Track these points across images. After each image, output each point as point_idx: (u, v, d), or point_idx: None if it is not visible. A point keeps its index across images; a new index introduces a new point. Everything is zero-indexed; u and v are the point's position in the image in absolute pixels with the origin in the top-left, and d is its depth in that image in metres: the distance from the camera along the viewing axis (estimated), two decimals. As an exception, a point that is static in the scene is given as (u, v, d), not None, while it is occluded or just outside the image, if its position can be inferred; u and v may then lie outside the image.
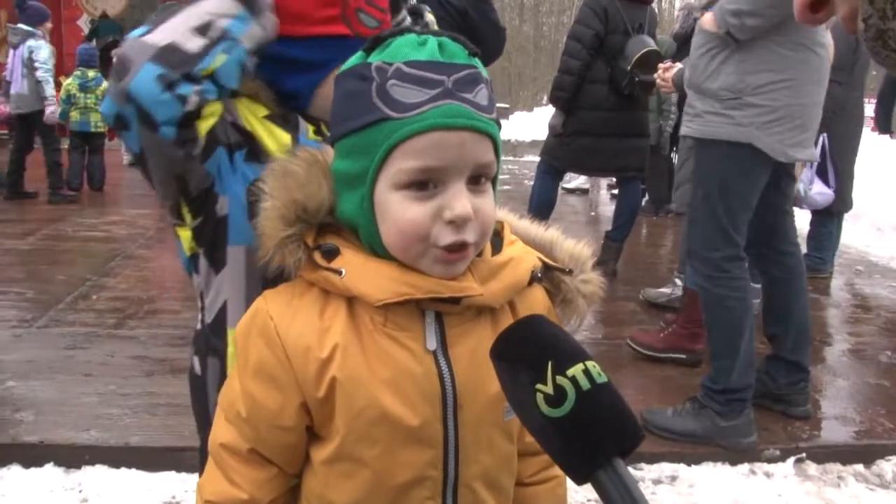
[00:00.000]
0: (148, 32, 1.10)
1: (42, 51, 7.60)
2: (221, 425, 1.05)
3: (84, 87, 8.15)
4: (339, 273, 0.95)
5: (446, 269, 0.95)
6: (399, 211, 0.92)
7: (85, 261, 5.47)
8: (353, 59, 0.97)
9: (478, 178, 0.94)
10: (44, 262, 5.39)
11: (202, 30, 1.11)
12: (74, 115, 8.18)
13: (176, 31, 1.10)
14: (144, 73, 1.06)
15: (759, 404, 3.23)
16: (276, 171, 1.01)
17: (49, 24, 8.02)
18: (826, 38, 2.78)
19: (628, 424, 0.76)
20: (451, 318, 0.99)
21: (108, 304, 4.48)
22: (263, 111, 1.23)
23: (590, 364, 0.77)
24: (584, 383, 0.76)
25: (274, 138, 1.21)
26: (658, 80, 3.72)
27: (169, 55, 1.07)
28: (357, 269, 0.95)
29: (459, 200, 0.91)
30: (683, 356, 3.75)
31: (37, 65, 7.54)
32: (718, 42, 2.80)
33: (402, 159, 0.91)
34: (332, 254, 0.97)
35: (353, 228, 1.00)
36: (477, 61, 0.95)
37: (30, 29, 7.64)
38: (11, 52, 7.74)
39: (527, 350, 0.81)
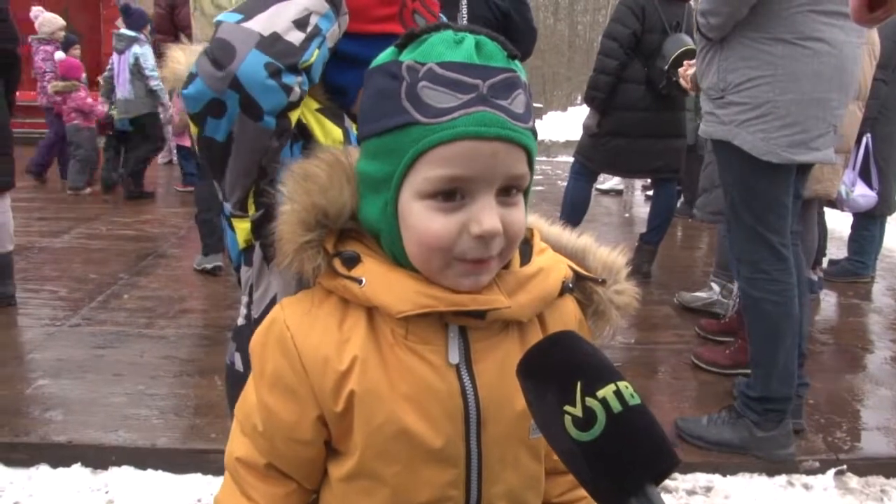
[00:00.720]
0: (245, 20, 1.08)
1: (149, 57, 7.65)
2: (237, 439, 1.02)
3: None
4: (360, 282, 0.91)
5: (470, 282, 0.90)
6: (423, 221, 0.87)
7: (117, 259, 5.51)
8: (385, 55, 0.92)
9: (508, 190, 0.89)
10: (77, 260, 5.44)
11: (301, 24, 1.10)
12: (116, 113, 8.22)
13: (277, 21, 1.09)
14: (252, 60, 1.05)
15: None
16: (297, 174, 0.96)
17: (148, 28, 8.06)
18: (827, 32, 2.60)
19: (662, 449, 0.71)
20: (475, 332, 0.94)
21: (139, 303, 4.50)
22: (315, 104, 1.21)
23: (622, 384, 0.73)
24: (616, 405, 0.71)
25: (325, 132, 1.20)
26: (681, 80, 3.67)
27: (275, 44, 1.07)
28: (378, 279, 0.91)
29: (488, 214, 0.86)
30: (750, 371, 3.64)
31: (147, 72, 7.61)
32: (705, 42, 2.83)
33: (429, 167, 0.86)
34: (352, 261, 0.93)
35: (375, 234, 0.96)
36: (516, 64, 0.90)
37: (134, 34, 7.70)
38: (116, 56, 7.81)
39: (555, 369, 0.76)
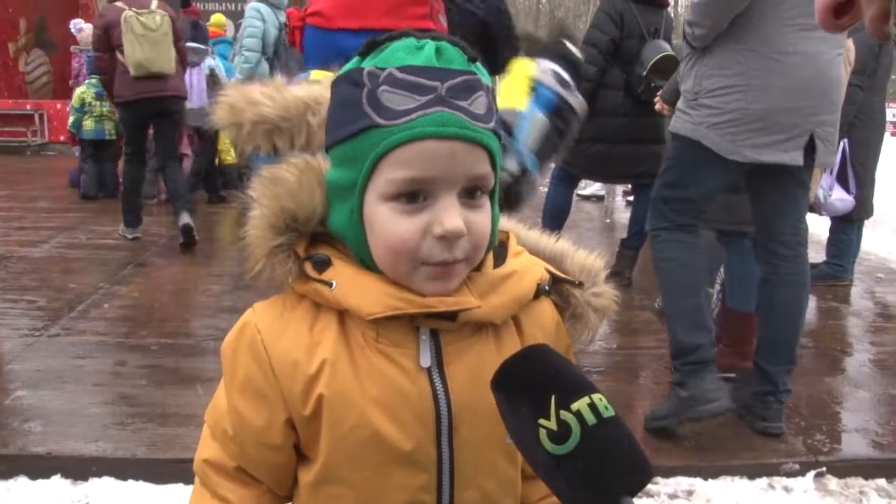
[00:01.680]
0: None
1: (224, 70, 7.92)
2: (207, 443, 1.02)
3: (100, 96, 8.15)
4: (330, 285, 0.91)
5: (436, 287, 0.90)
6: (387, 225, 0.88)
7: (97, 269, 5.47)
8: (349, 64, 0.93)
9: (472, 191, 0.89)
10: (57, 269, 5.40)
11: None
12: (88, 123, 8.21)
13: None
14: None
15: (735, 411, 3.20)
16: (266, 178, 0.96)
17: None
18: (801, 45, 2.72)
19: (637, 462, 0.72)
20: (447, 334, 0.94)
21: (120, 312, 4.47)
22: None
23: (596, 397, 0.73)
24: (590, 418, 0.72)
25: None
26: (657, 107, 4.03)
27: None
28: (349, 282, 0.91)
29: (450, 214, 0.86)
30: (734, 375, 3.66)
31: (225, 83, 7.64)
32: (690, 49, 2.99)
33: (390, 169, 0.86)
34: (323, 265, 0.93)
35: (344, 241, 0.96)
36: (478, 67, 0.90)
37: (203, 47, 7.84)
38: (189, 69, 7.72)
39: (528, 382, 0.76)
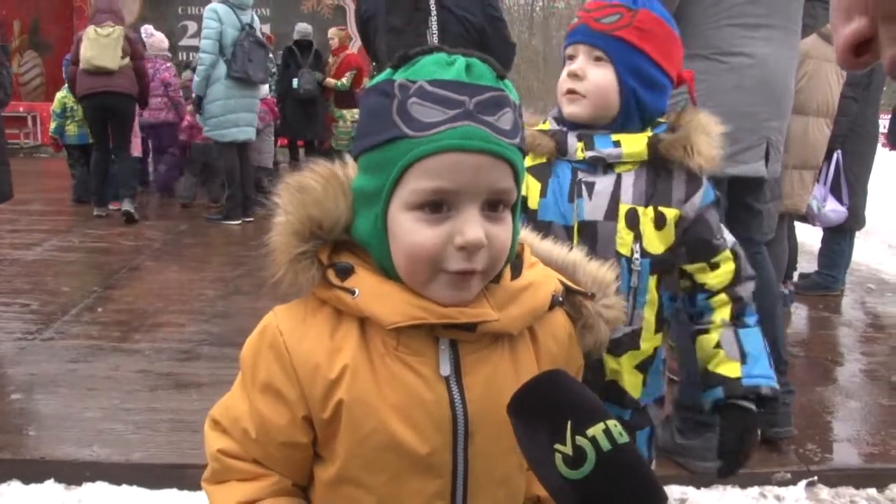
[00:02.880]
0: None
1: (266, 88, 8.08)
2: (220, 438, 1.02)
3: None
4: (353, 293, 0.93)
5: (454, 296, 0.92)
6: (410, 232, 0.90)
7: (91, 272, 5.47)
8: (381, 76, 0.95)
9: (495, 205, 0.91)
10: (50, 273, 5.38)
11: None
12: (71, 128, 8.08)
13: None
14: None
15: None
16: (292, 186, 0.98)
17: None
18: (748, 45, 2.57)
19: (650, 489, 0.74)
20: (465, 345, 0.96)
21: (114, 316, 4.46)
22: None
23: (611, 423, 0.75)
24: (605, 444, 0.73)
25: None
26: None
27: None
28: (371, 290, 0.93)
29: (471, 226, 0.88)
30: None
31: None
32: None
33: (416, 179, 0.89)
34: (346, 272, 0.95)
35: (366, 249, 0.97)
36: (507, 84, 0.92)
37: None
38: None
39: (545, 407, 0.78)
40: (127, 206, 7.21)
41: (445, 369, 0.94)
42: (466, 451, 0.95)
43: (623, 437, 0.74)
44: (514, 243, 0.97)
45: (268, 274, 0.97)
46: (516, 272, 1.00)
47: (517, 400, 0.81)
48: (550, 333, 1.02)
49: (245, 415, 0.99)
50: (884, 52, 0.59)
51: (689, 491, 2.88)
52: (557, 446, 0.74)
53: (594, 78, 1.47)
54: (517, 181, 0.92)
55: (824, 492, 2.93)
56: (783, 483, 2.94)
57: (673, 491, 2.88)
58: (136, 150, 8.78)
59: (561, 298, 1.03)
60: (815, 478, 2.96)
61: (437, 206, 0.89)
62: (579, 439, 0.73)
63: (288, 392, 0.96)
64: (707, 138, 1.49)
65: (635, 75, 1.47)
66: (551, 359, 1.01)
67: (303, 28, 9.79)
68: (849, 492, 2.96)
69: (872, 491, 2.97)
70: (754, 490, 2.92)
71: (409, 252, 0.90)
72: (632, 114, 1.49)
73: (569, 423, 0.74)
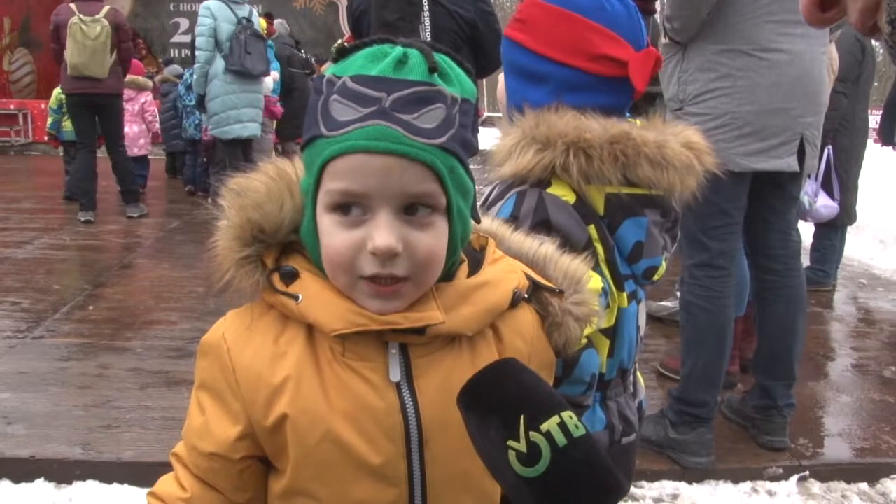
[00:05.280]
0: None
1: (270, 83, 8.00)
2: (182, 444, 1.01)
3: None
4: (296, 298, 0.89)
5: (377, 305, 0.87)
6: (327, 236, 0.87)
7: (82, 270, 5.44)
8: (328, 69, 0.92)
9: (414, 209, 0.86)
10: (41, 271, 5.36)
11: None
12: (68, 124, 8.07)
13: None
14: None
15: (733, 420, 3.23)
16: (233, 189, 0.95)
17: None
18: (786, 42, 2.61)
19: (609, 482, 0.71)
20: (416, 348, 0.92)
21: (105, 314, 4.44)
22: None
23: (566, 415, 0.72)
24: (560, 439, 0.71)
25: None
26: None
27: None
28: (314, 295, 0.89)
29: (382, 232, 0.84)
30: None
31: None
32: (667, 51, 2.83)
33: (328, 180, 0.86)
34: (290, 277, 0.91)
35: (311, 251, 0.94)
36: (437, 79, 0.86)
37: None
38: None
39: (497, 401, 0.75)
40: (132, 212, 7.38)
41: (395, 374, 0.90)
42: (422, 458, 0.91)
43: (579, 430, 0.72)
44: (454, 247, 0.91)
45: (214, 279, 0.94)
46: (476, 268, 0.96)
47: (467, 393, 0.78)
48: (516, 331, 0.97)
49: (189, 414, 0.97)
50: (851, 6, 0.57)
51: (682, 486, 2.88)
52: (511, 443, 0.71)
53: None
54: (444, 183, 0.86)
55: (816, 486, 2.94)
56: (775, 478, 2.95)
57: (665, 486, 2.88)
58: (143, 149, 8.83)
59: (526, 295, 0.97)
60: (807, 472, 2.97)
61: (346, 208, 0.85)
62: (533, 435, 0.71)
63: (231, 403, 0.93)
64: None
65: (517, 72, 1.42)
66: (519, 357, 0.91)
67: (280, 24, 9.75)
68: (840, 486, 2.97)
69: (864, 485, 2.98)
70: (746, 485, 2.92)
71: (326, 255, 0.88)
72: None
73: (522, 417, 0.71)
